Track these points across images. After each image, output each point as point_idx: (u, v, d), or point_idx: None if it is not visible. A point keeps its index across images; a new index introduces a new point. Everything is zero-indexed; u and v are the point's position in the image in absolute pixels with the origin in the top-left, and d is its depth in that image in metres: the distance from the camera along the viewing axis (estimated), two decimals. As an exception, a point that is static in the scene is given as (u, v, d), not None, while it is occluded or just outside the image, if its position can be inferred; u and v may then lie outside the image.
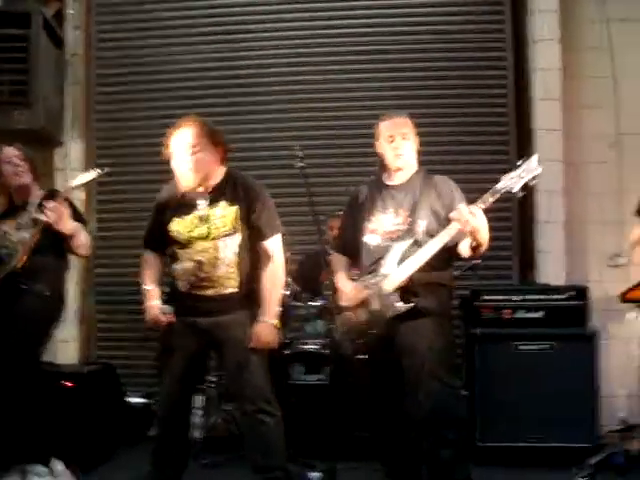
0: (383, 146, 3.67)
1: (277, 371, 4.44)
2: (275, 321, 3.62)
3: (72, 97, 5.68)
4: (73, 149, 5.65)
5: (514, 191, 3.38)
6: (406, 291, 3.47)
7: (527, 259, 5.45)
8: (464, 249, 3.51)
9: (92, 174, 4.00)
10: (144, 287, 3.71)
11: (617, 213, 5.23)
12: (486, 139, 5.54)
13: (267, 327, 3.58)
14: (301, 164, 3.46)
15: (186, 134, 3.59)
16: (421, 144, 3.73)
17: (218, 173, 3.67)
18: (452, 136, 5.49)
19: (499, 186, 3.38)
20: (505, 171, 3.43)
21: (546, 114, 5.35)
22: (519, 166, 3.39)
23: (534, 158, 3.39)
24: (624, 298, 3.92)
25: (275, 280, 3.65)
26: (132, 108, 5.76)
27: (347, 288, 3.65)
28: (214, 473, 4.31)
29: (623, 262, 5.17)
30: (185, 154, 3.57)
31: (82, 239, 4.10)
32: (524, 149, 5.23)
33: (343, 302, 3.64)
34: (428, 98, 5.52)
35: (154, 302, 3.66)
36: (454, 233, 3.41)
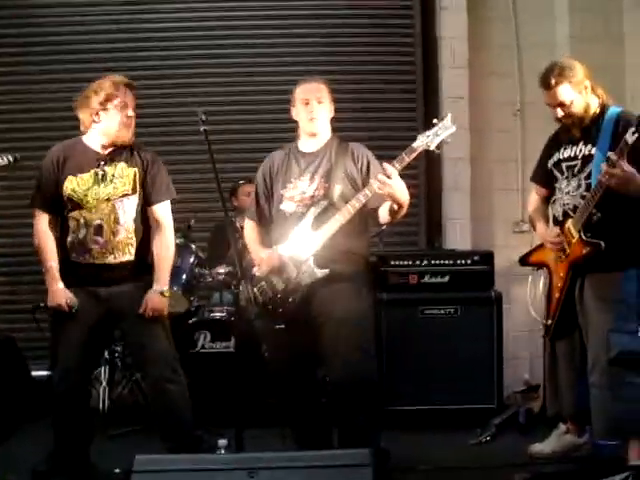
0: (298, 110, 3.65)
1: (183, 339, 4.41)
2: (165, 289, 3.63)
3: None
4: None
5: (431, 148, 3.40)
6: (322, 257, 3.47)
7: (434, 226, 5.53)
8: (383, 215, 3.52)
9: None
10: (46, 264, 3.60)
11: (520, 180, 5.36)
12: (394, 106, 5.59)
13: (156, 295, 3.60)
14: (204, 127, 3.39)
15: (130, 93, 3.63)
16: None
17: None
18: (360, 103, 5.50)
19: (415, 144, 3.40)
20: (412, 138, 3.45)
21: (452, 81, 5.42)
22: (434, 125, 3.42)
23: (449, 117, 3.43)
24: (523, 262, 4.02)
25: (165, 248, 3.68)
26: (29, 71, 5.53)
27: (262, 257, 3.61)
28: (121, 444, 4.21)
29: (527, 228, 5.29)
30: (130, 111, 3.60)
31: None
32: (431, 115, 5.24)
33: (258, 272, 3.60)
34: (336, 64, 5.49)
35: (59, 285, 3.57)
36: (370, 196, 3.41)
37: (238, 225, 4.83)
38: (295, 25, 5.57)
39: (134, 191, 3.61)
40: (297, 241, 3.51)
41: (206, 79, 5.54)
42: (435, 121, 3.44)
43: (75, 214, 3.57)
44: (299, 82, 3.71)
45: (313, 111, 3.61)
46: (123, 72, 5.17)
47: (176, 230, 3.89)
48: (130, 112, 3.60)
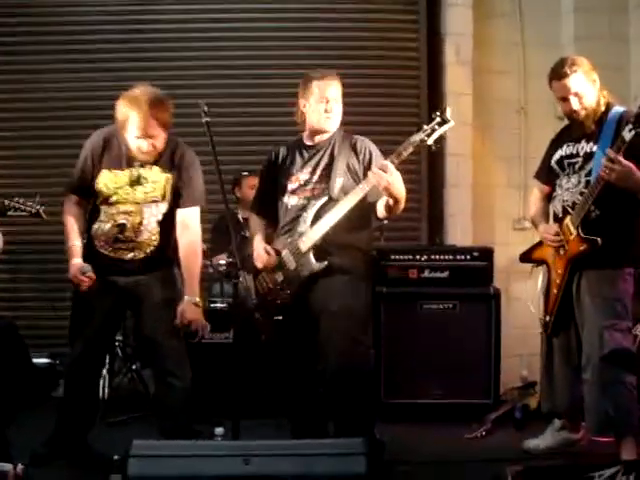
0: (313, 106, 3.61)
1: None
2: (198, 299, 3.61)
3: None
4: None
5: (429, 143, 3.42)
6: (321, 250, 3.50)
7: (435, 221, 5.55)
8: (380, 209, 3.53)
9: None
10: (68, 243, 3.60)
11: (522, 177, 5.38)
12: (398, 101, 5.60)
13: (190, 306, 3.58)
14: (206, 119, 3.40)
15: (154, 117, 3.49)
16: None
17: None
18: (364, 97, 5.47)
19: (412, 138, 3.42)
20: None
21: (457, 78, 5.43)
22: (433, 119, 3.43)
23: (448, 111, 3.44)
24: (523, 258, 4.04)
25: (193, 255, 3.64)
26: (23, 60, 5.48)
27: (263, 250, 3.64)
28: (120, 431, 4.24)
29: (527, 225, 5.30)
30: (148, 141, 3.50)
31: None
32: (435, 112, 5.26)
33: (259, 264, 3.64)
34: (341, 59, 5.45)
35: (75, 260, 3.57)
36: (368, 189, 3.42)
37: (241, 217, 4.86)
38: (299, 19, 5.58)
39: (163, 198, 3.58)
40: (297, 233, 3.54)
41: (208, 71, 5.54)
42: (433, 115, 3.46)
43: (104, 207, 3.58)
44: (315, 76, 3.62)
45: (331, 111, 3.60)
46: (125, 65, 5.31)
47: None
48: (147, 143, 3.50)
